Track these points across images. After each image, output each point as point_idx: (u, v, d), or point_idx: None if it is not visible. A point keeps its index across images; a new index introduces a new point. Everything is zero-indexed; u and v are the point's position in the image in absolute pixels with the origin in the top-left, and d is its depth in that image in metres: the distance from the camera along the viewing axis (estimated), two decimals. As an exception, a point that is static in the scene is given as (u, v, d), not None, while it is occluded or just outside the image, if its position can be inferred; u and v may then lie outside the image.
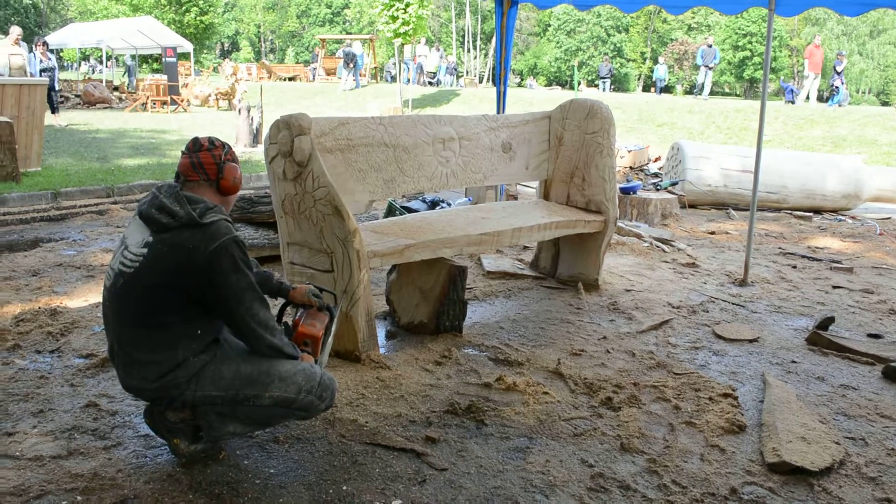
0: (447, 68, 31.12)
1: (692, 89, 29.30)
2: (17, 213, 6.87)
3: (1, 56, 13.88)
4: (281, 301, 2.93)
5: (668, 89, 30.48)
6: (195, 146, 2.47)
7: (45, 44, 15.97)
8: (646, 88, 54.42)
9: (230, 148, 2.55)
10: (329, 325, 2.82)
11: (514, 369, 3.59)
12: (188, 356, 2.37)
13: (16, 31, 14.46)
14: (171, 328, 2.34)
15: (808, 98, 20.83)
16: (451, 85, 29.59)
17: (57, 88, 16.63)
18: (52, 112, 16.29)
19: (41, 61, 15.53)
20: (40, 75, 15.42)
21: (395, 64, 27.39)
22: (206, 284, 2.30)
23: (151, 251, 2.32)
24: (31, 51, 15.16)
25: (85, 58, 44.16)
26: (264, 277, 2.81)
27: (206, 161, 2.44)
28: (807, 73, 21.08)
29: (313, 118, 3.56)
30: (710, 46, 22.18)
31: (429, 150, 4.35)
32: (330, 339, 2.85)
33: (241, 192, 4.01)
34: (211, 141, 2.49)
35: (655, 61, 60.08)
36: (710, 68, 21.97)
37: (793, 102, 20.51)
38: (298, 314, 2.81)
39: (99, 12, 37.14)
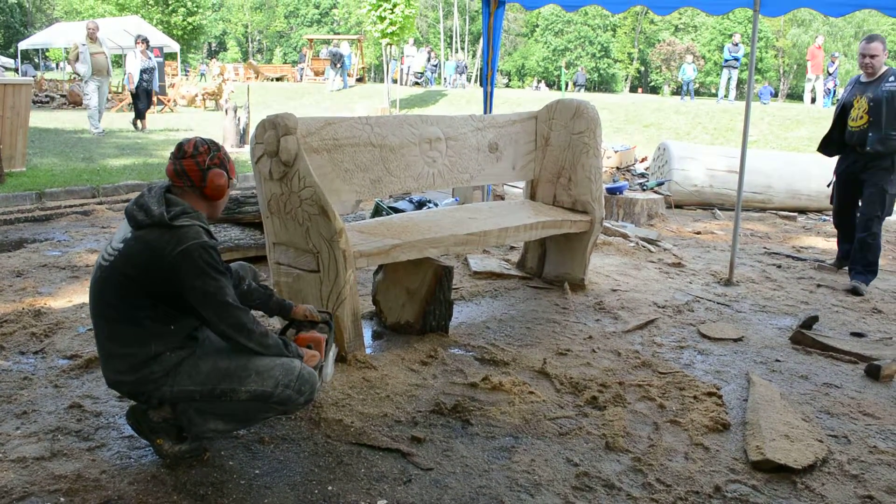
0: (456, 67, 31.38)
1: (679, 90, 29.25)
2: (0, 214, 6.81)
3: (81, 54, 12.46)
4: (282, 320, 2.95)
5: (654, 90, 30.74)
6: (179, 152, 2.44)
7: (145, 41, 14.43)
8: (633, 89, 54.66)
9: (218, 151, 2.48)
10: (329, 337, 2.84)
11: (499, 369, 3.59)
12: (162, 350, 2.38)
13: (92, 24, 12.80)
14: (142, 323, 2.35)
15: (813, 100, 20.61)
16: (463, 86, 29.73)
17: (157, 90, 14.85)
18: (142, 116, 14.50)
19: (142, 60, 14.12)
20: (141, 76, 14.07)
21: (401, 61, 27.50)
22: (174, 286, 2.30)
23: (126, 247, 2.34)
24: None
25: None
26: (265, 296, 2.80)
27: (189, 168, 2.42)
28: (809, 76, 21.00)
29: (299, 118, 3.56)
30: (737, 45, 19.90)
31: (415, 151, 4.35)
32: (332, 351, 2.85)
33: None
34: (196, 146, 2.43)
35: (643, 62, 60.50)
36: (735, 67, 20.22)
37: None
38: (299, 331, 2.83)
39: (85, 12, 36.96)
